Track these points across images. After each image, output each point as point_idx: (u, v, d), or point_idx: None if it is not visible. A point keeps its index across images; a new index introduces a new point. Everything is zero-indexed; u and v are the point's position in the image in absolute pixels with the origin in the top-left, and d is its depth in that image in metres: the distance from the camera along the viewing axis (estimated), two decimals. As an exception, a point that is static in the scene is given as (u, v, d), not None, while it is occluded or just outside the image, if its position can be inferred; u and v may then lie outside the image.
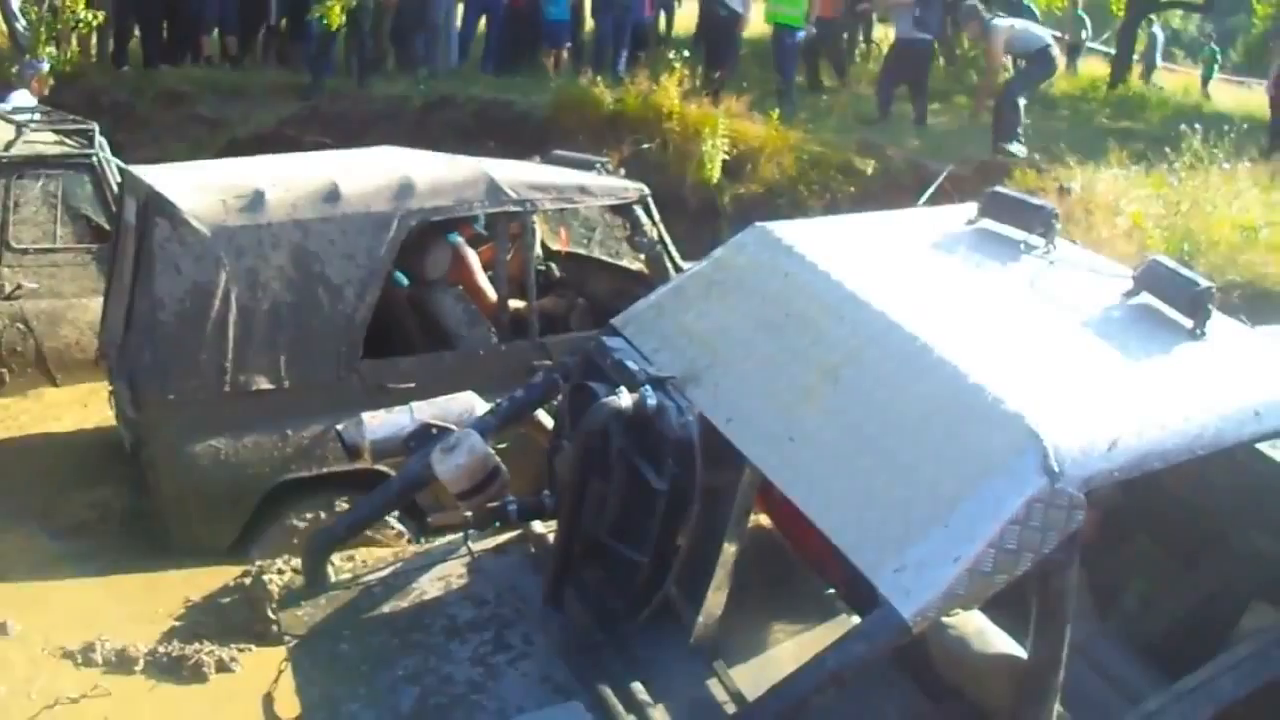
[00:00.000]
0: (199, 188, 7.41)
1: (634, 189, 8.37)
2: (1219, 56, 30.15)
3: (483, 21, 19.69)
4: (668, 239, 8.40)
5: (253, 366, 7.23)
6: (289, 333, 7.29)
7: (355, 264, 7.39)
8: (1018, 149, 14.46)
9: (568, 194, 8.13)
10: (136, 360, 7.38)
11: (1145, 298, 4.47)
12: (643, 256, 8.50)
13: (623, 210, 8.45)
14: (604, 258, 10.00)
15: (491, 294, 8.19)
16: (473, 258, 8.43)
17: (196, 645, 6.81)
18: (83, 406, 9.84)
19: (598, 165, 8.69)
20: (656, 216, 8.39)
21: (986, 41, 15.97)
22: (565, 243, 10.10)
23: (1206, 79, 27.94)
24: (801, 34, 17.79)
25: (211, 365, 7.15)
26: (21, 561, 7.56)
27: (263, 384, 7.27)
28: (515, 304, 8.08)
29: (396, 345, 7.81)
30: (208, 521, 7.38)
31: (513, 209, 7.85)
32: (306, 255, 7.30)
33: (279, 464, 7.36)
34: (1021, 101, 15.32)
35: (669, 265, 8.23)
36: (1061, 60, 17.43)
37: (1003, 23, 15.80)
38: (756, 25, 19.38)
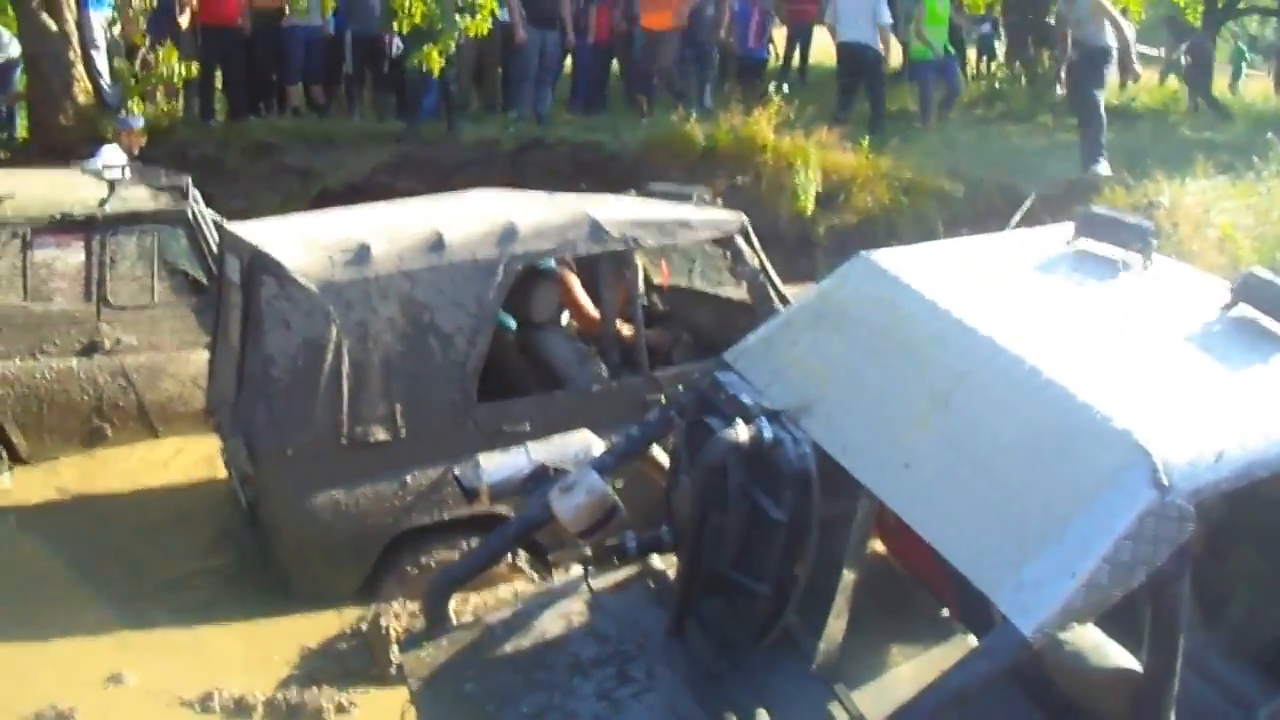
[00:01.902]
0: (303, 243, 7.50)
1: (734, 219, 8.36)
2: (1247, 55, 29.94)
3: (568, 61, 19.65)
4: (769, 267, 8.38)
5: (368, 418, 7.30)
6: (402, 383, 7.35)
7: (464, 311, 7.44)
8: (1104, 167, 14.38)
9: (669, 229, 8.13)
10: (251, 417, 7.43)
11: (1243, 309, 4.49)
12: (745, 285, 8.46)
13: (723, 241, 8.42)
14: (706, 289, 10.02)
15: (595, 312, 8.26)
16: (573, 279, 8.48)
17: (315, 690, 6.88)
18: (187, 459, 9.98)
19: (695, 196, 8.72)
20: (757, 245, 8.38)
21: (1072, 8, 15.58)
22: (666, 276, 10.13)
23: (1235, 78, 27.72)
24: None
25: (327, 419, 7.23)
26: (135, 613, 7.66)
27: (379, 435, 7.32)
28: (624, 329, 8.10)
29: (508, 389, 7.83)
30: (330, 574, 7.46)
31: (615, 247, 7.88)
32: (415, 305, 7.36)
33: (399, 513, 7.41)
34: (1099, 96, 15.14)
35: (772, 294, 8.22)
36: (1138, 68, 17.22)
37: None
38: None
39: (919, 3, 18.89)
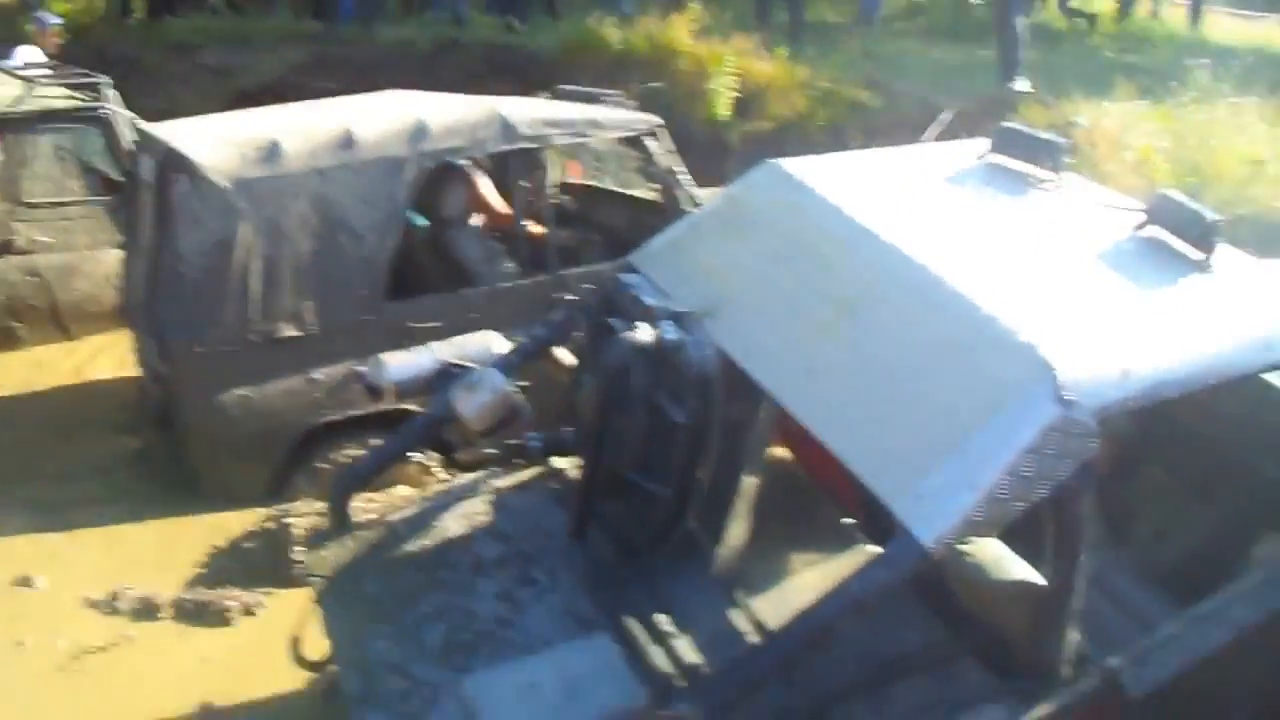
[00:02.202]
0: (216, 142, 7.44)
1: (645, 120, 8.37)
2: None
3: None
4: (681, 167, 8.39)
5: (278, 315, 7.28)
6: (312, 279, 7.33)
7: (374, 208, 7.42)
8: (1023, 84, 14.40)
9: (580, 128, 8.14)
10: (163, 315, 7.39)
11: (1154, 230, 4.53)
12: (656, 186, 8.50)
13: (635, 142, 8.46)
14: (616, 189, 10.00)
15: (504, 208, 8.26)
16: (483, 178, 8.46)
17: (221, 590, 6.87)
18: (100, 359, 9.90)
19: (608, 98, 8.71)
20: (670, 146, 8.39)
21: None
22: (578, 175, 10.13)
23: (1196, 11, 27.83)
24: None
25: (237, 315, 7.20)
26: (46, 515, 7.62)
27: (289, 331, 7.30)
28: (533, 228, 8.11)
29: (418, 287, 7.81)
30: (240, 469, 7.44)
31: (527, 145, 7.88)
32: (326, 202, 7.33)
33: (308, 409, 7.41)
34: (1020, 23, 15.20)
35: (682, 195, 8.24)
36: None
37: None
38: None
39: None
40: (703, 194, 8.14)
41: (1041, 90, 13.81)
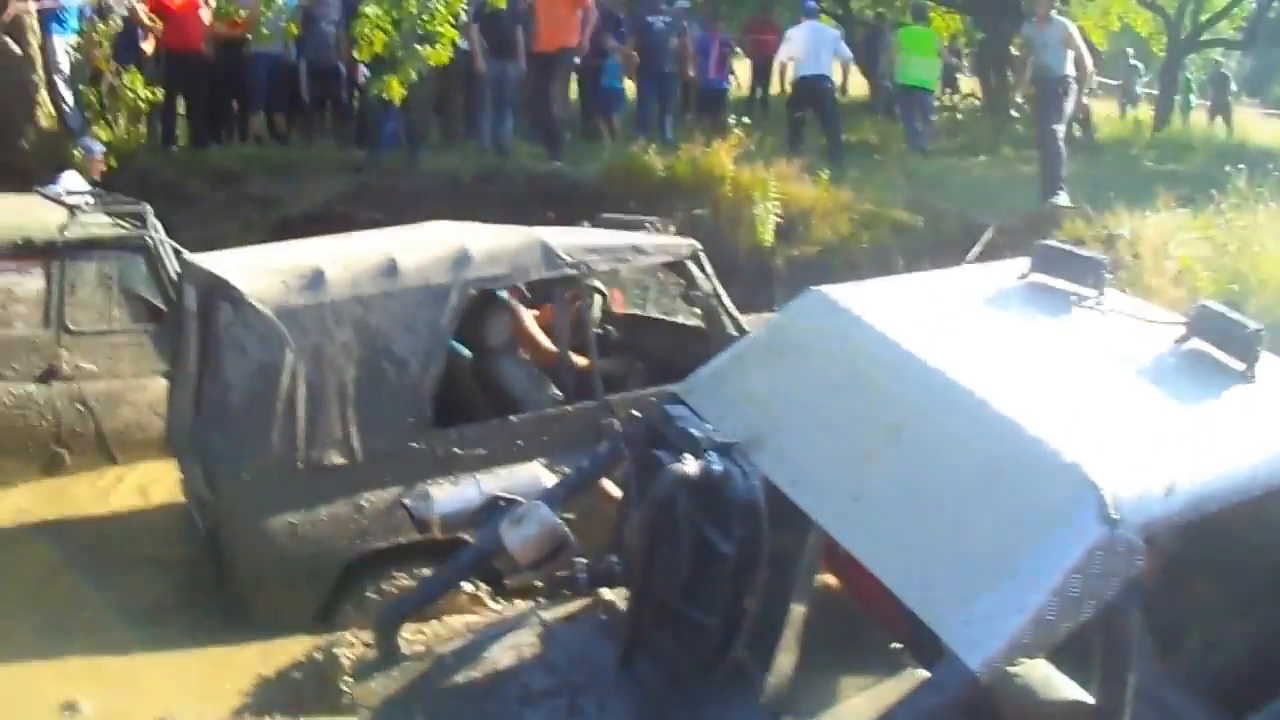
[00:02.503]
0: (259, 271, 7.50)
1: (686, 244, 8.41)
2: (1194, 86, 30.23)
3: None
4: (722, 292, 8.41)
5: (324, 442, 7.27)
6: (358, 407, 7.32)
7: (418, 336, 7.44)
8: (1063, 199, 14.44)
9: (621, 254, 8.19)
10: (208, 443, 7.43)
11: (1196, 343, 4.53)
12: (699, 311, 8.52)
13: (676, 266, 8.47)
14: (659, 316, 10.03)
15: (548, 344, 8.27)
16: (524, 312, 8.50)
17: (266, 719, 6.87)
18: (146, 486, 9.88)
19: (648, 224, 8.76)
20: (710, 271, 8.41)
21: (1041, 34, 15.55)
22: (620, 304, 10.15)
23: (1185, 110, 27.98)
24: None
25: (283, 443, 7.19)
26: (92, 640, 7.56)
27: (335, 458, 7.29)
28: (578, 360, 8.10)
29: (464, 416, 7.79)
30: (287, 597, 7.39)
31: (568, 272, 7.89)
32: (370, 330, 7.36)
33: (355, 536, 7.37)
34: (1059, 129, 15.26)
35: (725, 318, 8.26)
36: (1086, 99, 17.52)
37: (1064, 24, 15.62)
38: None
39: (895, 34, 19.50)
40: (747, 321, 8.15)
41: (1083, 203, 13.86)
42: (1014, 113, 19.62)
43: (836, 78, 19.91)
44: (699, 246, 8.42)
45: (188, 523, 8.45)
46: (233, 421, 7.24)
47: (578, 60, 17.76)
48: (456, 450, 7.40)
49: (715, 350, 6.00)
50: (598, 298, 9.23)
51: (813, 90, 18.23)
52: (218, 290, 7.36)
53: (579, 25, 16.89)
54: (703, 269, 8.33)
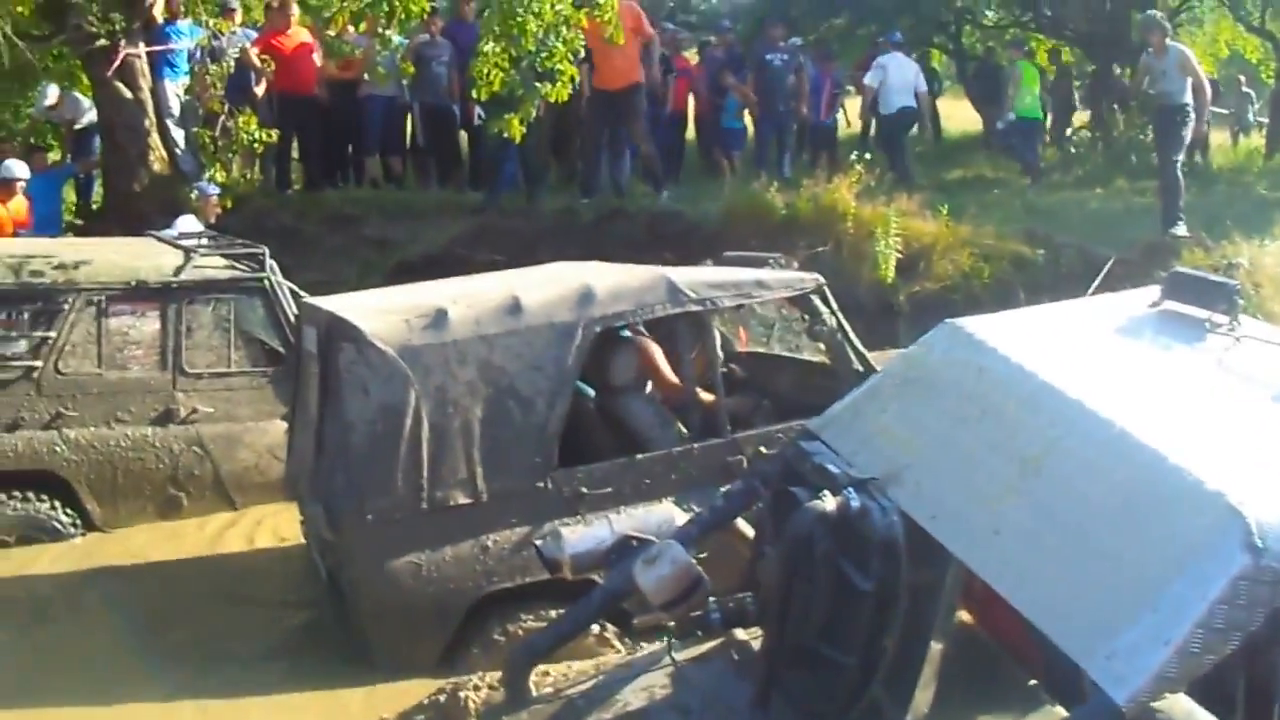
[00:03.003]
0: (380, 311, 7.54)
1: (811, 279, 8.33)
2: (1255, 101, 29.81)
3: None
4: (847, 327, 8.35)
5: (448, 481, 7.28)
6: (482, 447, 7.32)
7: (543, 374, 7.45)
8: (1182, 229, 14.34)
9: (746, 289, 8.13)
10: (331, 483, 7.45)
11: None
12: (823, 346, 8.45)
13: (800, 301, 8.41)
14: (783, 353, 10.00)
15: (675, 379, 8.22)
16: (653, 347, 8.46)
17: (391, 764, 6.86)
18: (264, 529, 10.02)
19: (772, 261, 8.73)
20: (835, 306, 8.35)
21: (1158, 62, 15.51)
22: (744, 342, 10.14)
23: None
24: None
25: (407, 483, 7.21)
26: (212, 681, 7.62)
27: (460, 498, 7.30)
28: (705, 396, 8.03)
29: (589, 457, 7.75)
30: (411, 641, 7.40)
31: (693, 308, 7.86)
32: (493, 369, 7.37)
33: (481, 576, 7.36)
34: (1179, 160, 15.17)
35: (851, 353, 8.17)
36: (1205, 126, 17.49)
37: (1180, 51, 15.58)
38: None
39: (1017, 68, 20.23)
40: (872, 358, 8.09)
41: (1200, 232, 13.76)
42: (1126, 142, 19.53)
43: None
44: (823, 281, 8.35)
45: (307, 565, 8.50)
46: (356, 462, 7.26)
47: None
48: (583, 489, 7.40)
49: (842, 386, 5.96)
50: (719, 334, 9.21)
51: (899, 122, 19.20)
52: (339, 331, 7.37)
53: (642, 59, 16.88)
54: (828, 304, 8.27)
